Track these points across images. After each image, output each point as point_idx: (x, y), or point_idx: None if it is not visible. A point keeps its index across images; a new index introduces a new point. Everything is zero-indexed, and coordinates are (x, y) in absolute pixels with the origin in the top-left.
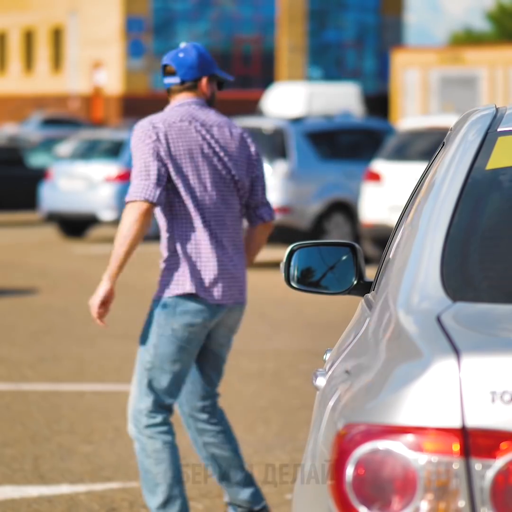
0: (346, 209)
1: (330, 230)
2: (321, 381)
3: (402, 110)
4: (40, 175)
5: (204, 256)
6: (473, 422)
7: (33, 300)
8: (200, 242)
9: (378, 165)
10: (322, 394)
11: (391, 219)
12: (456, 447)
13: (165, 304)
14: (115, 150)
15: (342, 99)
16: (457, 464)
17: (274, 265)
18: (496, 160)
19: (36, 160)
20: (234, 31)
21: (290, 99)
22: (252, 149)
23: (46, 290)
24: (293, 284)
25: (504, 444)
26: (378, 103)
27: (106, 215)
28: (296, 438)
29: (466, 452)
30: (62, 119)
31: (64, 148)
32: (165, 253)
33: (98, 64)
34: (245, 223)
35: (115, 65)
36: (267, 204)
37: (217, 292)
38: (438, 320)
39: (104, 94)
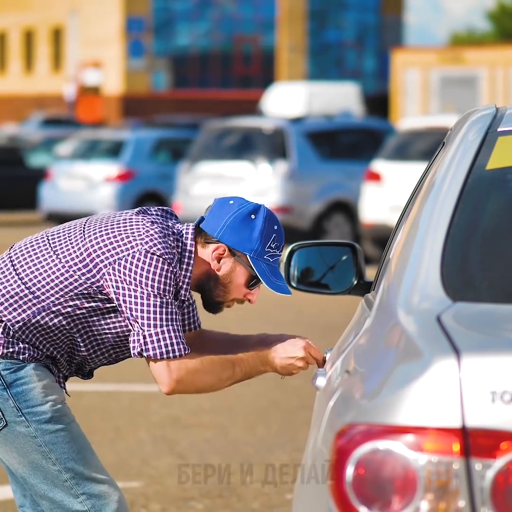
0: (346, 209)
1: (330, 230)
2: (321, 381)
3: (402, 110)
4: (40, 175)
5: None
6: (473, 422)
7: None
8: None
9: (378, 165)
10: (322, 394)
11: (391, 219)
12: (456, 447)
13: None
14: (115, 150)
15: (342, 99)
16: (457, 464)
17: None
18: (496, 160)
19: (36, 160)
20: (234, 31)
21: (290, 99)
22: None
23: None
24: (293, 284)
25: (504, 444)
26: (378, 103)
27: None
28: (296, 438)
29: (466, 452)
30: (62, 119)
31: (64, 148)
32: None
33: (94, 64)
34: None
35: (115, 65)
36: None
37: None
38: (438, 320)
39: (104, 94)
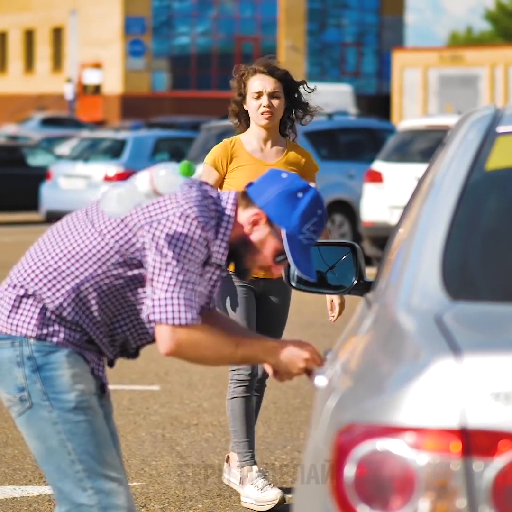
0: (347, 209)
1: (330, 230)
2: (321, 381)
3: (402, 110)
4: (40, 175)
5: None
6: (473, 422)
7: None
8: None
9: (378, 165)
10: (322, 394)
11: (392, 219)
12: (456, 447)
13: None
14: (115, 150)
15: (337, 99)
16: (456, 464)
17: None
18: (496, 160)
19: (36, 160)
20: (234, 31)
21: None
22: None
23: None
24: (293, 284)
25: (504, 444)
26: (378, 103)
27: None
28: (296, 438)
29: (466, 452)
30: (62, 119)
31: (64, 148)
32: None
33: (94, 64)
34: None
35: (115, 65)
36: None
37: None
38: (438, 320)
39: (104, 94)
